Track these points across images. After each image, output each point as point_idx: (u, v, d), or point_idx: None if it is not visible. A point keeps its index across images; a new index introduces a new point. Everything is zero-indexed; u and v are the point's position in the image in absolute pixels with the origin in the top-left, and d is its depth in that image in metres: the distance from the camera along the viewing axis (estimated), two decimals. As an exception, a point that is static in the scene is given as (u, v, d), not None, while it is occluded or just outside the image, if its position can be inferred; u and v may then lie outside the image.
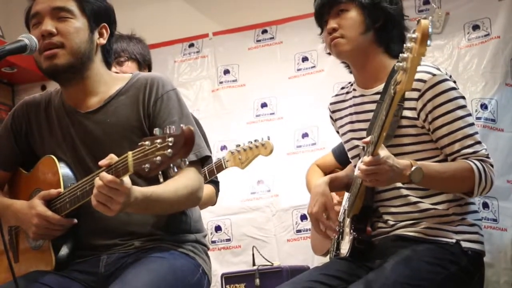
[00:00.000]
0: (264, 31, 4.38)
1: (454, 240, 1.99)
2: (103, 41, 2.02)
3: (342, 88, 2.33)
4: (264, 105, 4.27)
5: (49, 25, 1.93)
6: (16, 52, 1.87)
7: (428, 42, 1.54)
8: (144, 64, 2.89)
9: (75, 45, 1.94)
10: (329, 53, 2.21)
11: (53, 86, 2.14)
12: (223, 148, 4.21)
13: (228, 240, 4.10)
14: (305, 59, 4.24)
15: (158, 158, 1.50)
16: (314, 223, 2.20)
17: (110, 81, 2.04)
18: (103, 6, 2.02)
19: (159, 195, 1.82)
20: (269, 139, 2.99)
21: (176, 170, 1.54)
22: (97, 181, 1.67)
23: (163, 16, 4.56)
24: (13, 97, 4.74)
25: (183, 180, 1.89)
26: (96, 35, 2.00)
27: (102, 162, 1.70)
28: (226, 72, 4.41)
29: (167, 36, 4.44)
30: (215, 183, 2.95)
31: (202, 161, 2.00)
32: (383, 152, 1.83)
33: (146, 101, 1.95)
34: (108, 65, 2.07)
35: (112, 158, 1.69)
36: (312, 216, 2.19)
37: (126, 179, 1.67)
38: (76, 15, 1.96)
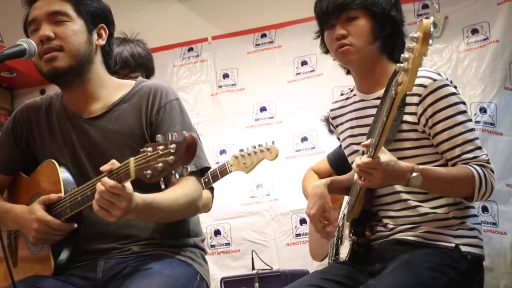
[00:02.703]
0: (263, 35, 4.39)
1: (453, 244, 1.98)
2: (102, 42, 2.02)
3: (342, 94, 2.32)
4: (263, 109, 4.28)
5: (46, 30, 1.93)
6: (15, 56, 1.87)
7: (430, 41, 1.53)
8: (152, 76, 2.91)
9: (74, 47, 1.93)
10: (326, 52, 2.20)
11: (52, 90, 2.14)
12: (222, 152, 4.21)
13: (228, 244, 4.10)
14: (304, 63, 4.25)
15: (160, 164, 1.50)
16: (313, 224, 2.20)
17: (111, 86, 2.04)
18: (99, 7, 2.02)
19: (159, 203, 1.81)
20: (273, 143, 3.00)
21: (177, 177, 1.54)
22: (99, 186, 1.66)
23: (162, 20, 4.57)
24: (13, 101, 4.74)
25: (183, 189, 1.89)
26: (95, 36, 2.00)
27: (104, 168, 1.69)
28: (225, 76, 4.41)
29: (166, 40, 4.45)
30: (210, 189, 2.95)
31: (202, 172, 1.99)
32: (385, 156, 1.83)
33: (149, 110, 1.96)
34: (108, 67, 2.07)
35: (113, 163, 1.68)
36: (311, 218, 2.19)
37: (128, 185, 1.66)
38: (73, 17, 1.96)
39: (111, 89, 2.02)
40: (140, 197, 1.74)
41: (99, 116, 1.99)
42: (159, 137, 1.54)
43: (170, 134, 1.52)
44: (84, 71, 1.97)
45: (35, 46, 1.90)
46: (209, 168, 2.04)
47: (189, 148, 1.48)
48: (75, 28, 1.95)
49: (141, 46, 2.77)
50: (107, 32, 2.04)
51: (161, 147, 1.51)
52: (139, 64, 2.71)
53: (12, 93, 4.76)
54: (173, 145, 1.49)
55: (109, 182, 1.65)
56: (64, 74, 1.94)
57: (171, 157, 1.49)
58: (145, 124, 1.95)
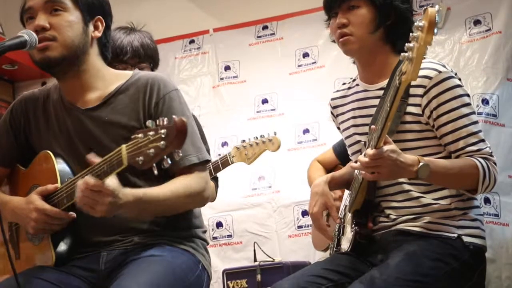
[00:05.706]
0: (265, 27, 4.38)
1: (455, 235, 1.99)
2: (98, 34, 2.00)
3: (344, 83, 2.32)
4: (265, 101, 4.27)
5: (42, 19, 1.92)
6: (16, 48, 1.86)
7: (435, 30, 1.53)
8: (156, 69, 2.91)
9: (68, 38, 1.93)
10: (334, 41, 2.20)
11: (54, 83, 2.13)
12: (224, 144, 4.21)
13: (230, 236, 4.10)
14: (305, 55, 4.23)
15: (152, 150, 1.52)
16: (315, 223, 2.20)
17: (108, 76, 2.03)
18: None
19: (153, 197, 1.83)
20: (275, 134, 3.00)
21: (170, 162, 1.54)
22: (79, 185, 1.69)
23: (164, 13, 4.56)
24: (14, 94, 4.74)
25: (183, 182, 1.90)
26: (91, 28, 1.99)
27: (92, 158, 1.72)
28: (227, 68, 4.40)
29: (167, 33, 4.43)
30: (215, 179, 2.95)
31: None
32: (389, 146, 1.82)
33: (147, 102, 1.95)
34: (106, 59, 2.06)
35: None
36: (313, 217, 2.19)
37: (110, 180, 1.68)
38: (69, 7, 1.95)
39: (107, 80, 2.02)
40: (130, 192, 1.76)
41: (95, 107, 1.99)
42: (149, 122, 1.55)
43: (160, 119, 1.53)
44: (78, 62, 1.96)
45: (36, 38, 1.89)
46: (210, 161, 2.05)
47: (180, 133, 1.49)
48: (71, 19, 1.94)
49: (149, 38, 2.78)
50: (104, 24, 2.02)
51: (151, 133, 1.52)
52: (149, 56, 2.72)
53: (14, 85, 4.76)
54: (163, 130, 1.50)
55: (90, 181, 1.67)
56: (56, 63, 1.93)
57: (162, 142, 1.50)
58: (143, 116, 1.94)
